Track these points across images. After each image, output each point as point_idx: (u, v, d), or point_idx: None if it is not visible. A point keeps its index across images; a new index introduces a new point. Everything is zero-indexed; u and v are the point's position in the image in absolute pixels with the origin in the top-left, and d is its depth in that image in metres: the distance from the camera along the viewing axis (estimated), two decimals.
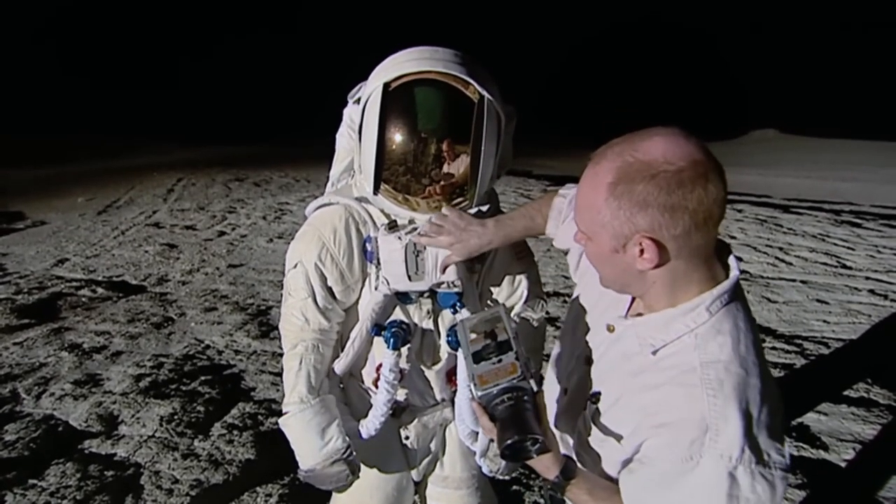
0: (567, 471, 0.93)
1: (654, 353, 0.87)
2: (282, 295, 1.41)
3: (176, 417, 2.88)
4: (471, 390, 0.92)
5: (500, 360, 0.91)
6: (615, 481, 0.93)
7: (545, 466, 0.93)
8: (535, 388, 0.90)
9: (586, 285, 1.10)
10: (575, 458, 1.01)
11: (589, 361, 1.00)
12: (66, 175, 11.51)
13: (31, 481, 2.41)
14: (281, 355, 1.40)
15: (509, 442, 0.86)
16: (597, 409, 0.95)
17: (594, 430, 0.95)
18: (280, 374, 1.70)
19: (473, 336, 0.97)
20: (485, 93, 1.20)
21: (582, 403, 1.00)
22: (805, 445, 2.67)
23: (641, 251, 0.82)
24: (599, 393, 0.96)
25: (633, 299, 0.96)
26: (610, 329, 0.96)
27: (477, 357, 0.93)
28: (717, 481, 0.77)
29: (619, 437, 0.90)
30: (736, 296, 0.87)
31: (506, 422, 0.87)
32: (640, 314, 0.93)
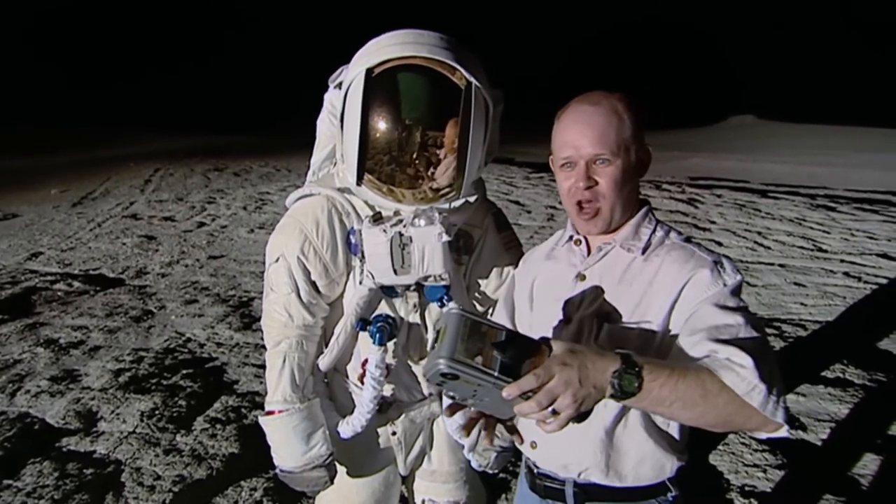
0: (628, 357, 0.83)
1: (643, 251, 1.08)
2: (263, 287, 1.38)
3: (157, 412, 2.83)
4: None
5: (528, 358, 0.82)
6: None
7: (600, 369, 0.82)
8: None
9: (527, 300, 1.22)
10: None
11: (568, 319, 1.10)
12: (39, 166, 11.19)
13: (6, 481, 2.35)
14: (264, 347, 1.37)
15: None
16: (612, 325, 1.05)
17: (619, 339, 1.02)
18: (263, 367, 1.66)
19: (480, 359, 0.81)
20: (472, 79, 1.17)
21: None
22: None
23: (642, 158, 1.09)
24: (609, 313, 1.06)
25: (588, 247, 1.13)
26: (580, 277, 1.12)
27: (510, 370, 0.80)
28: (738, 287, 1.01)
29: (647, 321, 1.02)
30: None
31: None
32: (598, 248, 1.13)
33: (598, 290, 1.08)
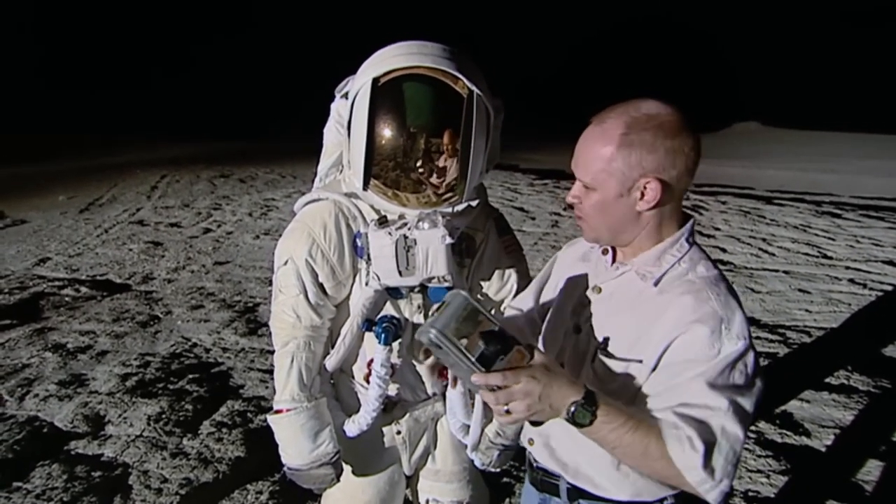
0: (591, 395, 0.89)
1: (656, 283, 1.01)
2: (269, 292, 1.41)
3: (164, 416, 2.86)
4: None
5: (505, 356, 0.89)
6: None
7: (562, 395, 0.89)
8: None
9: (554, 285, 1.23)
10: None
11: (578, 329, 1.10)
12: (47, 173, 11.28)
13: (15, 484, 2.38)
14: (269, 352, 1.40)
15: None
16: (607, 353, 1.04)
17: (609, 371, 1.03)
18: (269, 371, 1.69)
19: (465, 342, 0.89)
20: (474, 88, 1.20)
21: (579, 366, 1.08)
22: (788, 432, 2.73)
23: (643, 193, 0.97)
24: (607, 340, 1.04)
25: (615, 257, 1.09)
26: (597, 290, 1.09)
27: (486, 361, 0.88)
28: (736, 358, 0.93)
29: (639, 360, 0.99)
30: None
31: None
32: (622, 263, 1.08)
33: (607, 311, 1.07)
